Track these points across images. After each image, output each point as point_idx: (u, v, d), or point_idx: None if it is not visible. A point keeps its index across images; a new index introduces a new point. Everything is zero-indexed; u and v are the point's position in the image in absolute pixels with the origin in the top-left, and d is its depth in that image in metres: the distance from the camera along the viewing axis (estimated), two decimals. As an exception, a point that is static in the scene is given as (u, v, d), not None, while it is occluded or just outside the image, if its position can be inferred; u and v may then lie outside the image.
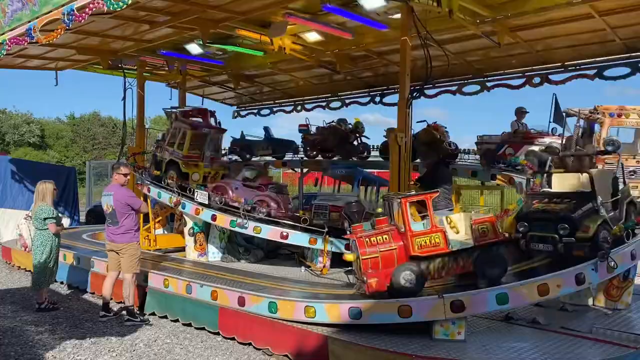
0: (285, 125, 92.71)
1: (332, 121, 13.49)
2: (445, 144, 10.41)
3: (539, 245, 6.11)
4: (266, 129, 15.30)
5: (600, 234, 5.81)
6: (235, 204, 9.33)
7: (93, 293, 9.29)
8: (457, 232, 6.20)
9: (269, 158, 14.98)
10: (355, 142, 13.17)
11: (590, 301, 6.99)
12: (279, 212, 9.35)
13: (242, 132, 15.32)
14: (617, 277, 6.55)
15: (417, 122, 10.30)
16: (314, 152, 13.93)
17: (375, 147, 13.10)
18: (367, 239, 6.12)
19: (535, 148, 9.52)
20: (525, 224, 6.19)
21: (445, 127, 10.82)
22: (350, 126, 13.21)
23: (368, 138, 13.26)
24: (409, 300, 5.87)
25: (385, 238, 6.10)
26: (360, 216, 8.68)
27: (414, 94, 8.95)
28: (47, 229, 8.33)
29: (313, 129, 14.09)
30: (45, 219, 8.29)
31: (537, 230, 6.12)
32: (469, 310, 5.76)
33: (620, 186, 6.74)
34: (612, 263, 5.89)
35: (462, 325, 5.80)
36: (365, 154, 13.17)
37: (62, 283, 10.03)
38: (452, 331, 5.79)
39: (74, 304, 8.87)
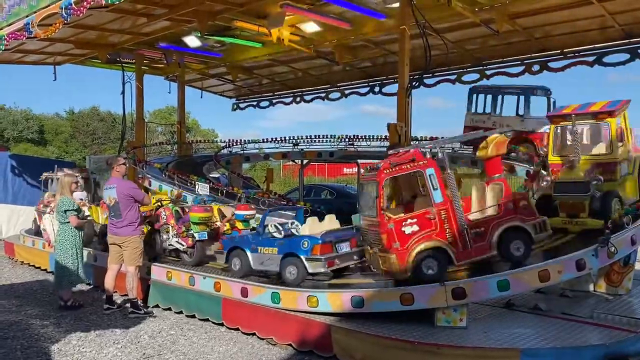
0: (285, 117, 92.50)
1: None
2: None
3: None
4: None
5: None
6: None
7: (97, 287, 9.33)
8: None
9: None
10: None
11: (591, 287, 7.02)
12: None
13: None
14: (618, 262, 6.58)
15: None
16: None
17: None
18: None
19: None
20: None
21: None
22: None
23: None
24: (411, 288, 5.91)
25: None
26: None
27: (414, 84, 8.96)
28: (69, 222, 8.07)
29: None
30: (65, 211, 8.00)
31: None
32: (470, 297, 5.79)
33: None
34: (612, 249, 5.92)
35: (464, 312, 5.83)
36: None
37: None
38: (454, 318, 5.82)
39: (78, 297, 8.88)
